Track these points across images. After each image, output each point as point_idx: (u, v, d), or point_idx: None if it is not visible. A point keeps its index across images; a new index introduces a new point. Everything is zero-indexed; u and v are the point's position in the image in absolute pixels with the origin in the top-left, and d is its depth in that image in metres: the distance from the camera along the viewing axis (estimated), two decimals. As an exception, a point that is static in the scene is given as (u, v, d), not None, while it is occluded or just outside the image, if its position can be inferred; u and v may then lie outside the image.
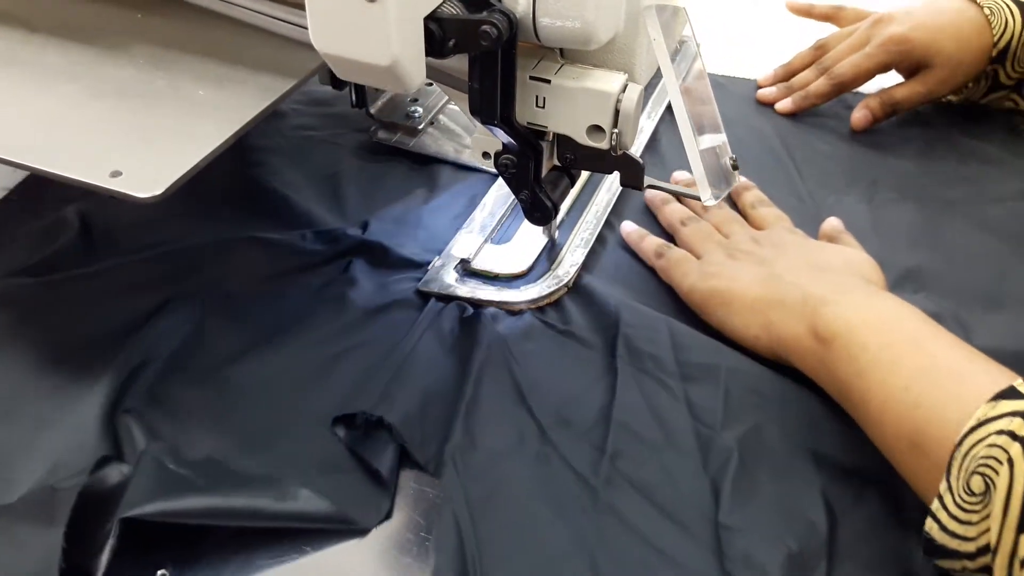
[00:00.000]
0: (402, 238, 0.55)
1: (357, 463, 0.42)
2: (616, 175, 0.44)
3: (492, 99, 0.38)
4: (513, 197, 0.50)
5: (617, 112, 0.39)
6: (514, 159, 0.43)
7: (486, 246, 0.55)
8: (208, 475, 0.40)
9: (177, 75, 0.45)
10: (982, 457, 0.34)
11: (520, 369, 0.46)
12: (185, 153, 0.40)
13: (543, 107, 0.40)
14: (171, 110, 0.43)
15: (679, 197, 0.58)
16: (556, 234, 0.56)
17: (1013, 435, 0.33)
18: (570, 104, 0.39)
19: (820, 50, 0.70)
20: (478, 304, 0.50)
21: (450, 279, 0.52)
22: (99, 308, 0.49)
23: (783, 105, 0.68)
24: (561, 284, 0.51)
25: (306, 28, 0.35)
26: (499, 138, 0.42)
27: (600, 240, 0.56)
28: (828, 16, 0.73)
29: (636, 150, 0.62)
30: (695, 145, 0.40)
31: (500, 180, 0.57)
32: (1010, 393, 0.35)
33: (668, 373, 0.45)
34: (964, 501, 0.34)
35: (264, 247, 0.53)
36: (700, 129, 0.41)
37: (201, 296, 0.50)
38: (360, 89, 0.60)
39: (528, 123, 0.41)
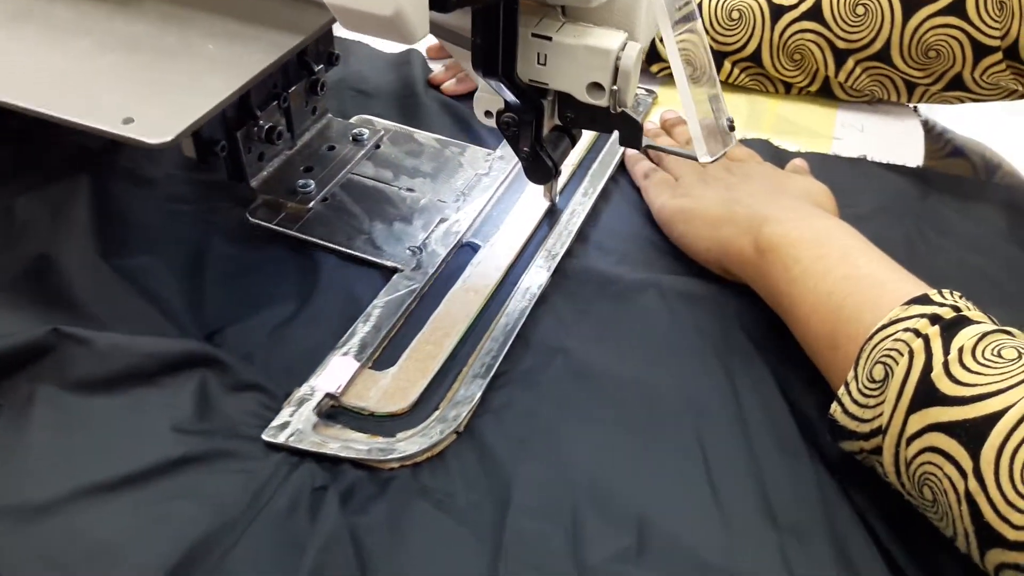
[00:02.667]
0: (261, 356, 0.45)
1: None
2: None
3: (494, 54, 0.39)
4: (405, 305, 0.48)
5: (617, 69, 0.40)
6: (516, 117, 0.44)
7: (363, 372, 0.45)
8: None
9: (187, 30, 0.46)
10: (887, 349, 0.37)
11: (378, 563, 0.36)
12: (194, 104, 0.41)
13: (544, 64, 0.41)
14: (181, 64, 0.44)
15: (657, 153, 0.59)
16: (557, 198, 0.57)
17: (917, 332, 0.36)
18: (571, 61, 0.40)
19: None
20: (338, 461, 0.40)
21: (307, 425, 0.41)
22: None
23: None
24: (448, 431, 0.42)
25: (314, -21, 0.36)
26: (502, 96, 0.43)
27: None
28: None
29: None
30: (692, 104, 0.41)
31: (392, 281, 0.50)
32: (923, 300, 0.38)
33: None
34: (866, 387, 0.38)
35: (84, 348, 0.41)
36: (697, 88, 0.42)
37: None
38: (236, 160, 0.51)
39: (530, 80, 0.42)
